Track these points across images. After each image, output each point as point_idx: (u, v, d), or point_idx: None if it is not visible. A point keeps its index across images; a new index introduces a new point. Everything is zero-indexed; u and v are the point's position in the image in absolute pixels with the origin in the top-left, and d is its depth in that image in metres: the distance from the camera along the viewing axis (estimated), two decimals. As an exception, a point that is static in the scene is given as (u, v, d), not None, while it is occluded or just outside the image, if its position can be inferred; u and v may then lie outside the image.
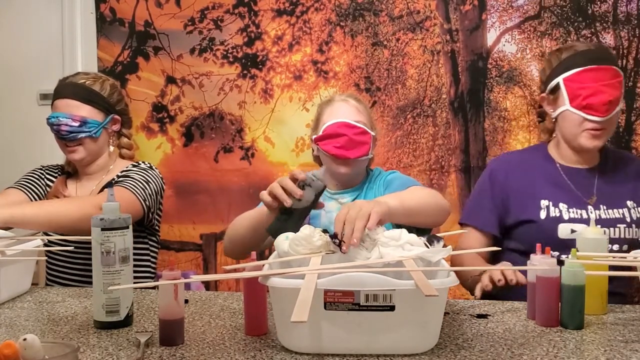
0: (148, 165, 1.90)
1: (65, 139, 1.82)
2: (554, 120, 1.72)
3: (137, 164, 1.90)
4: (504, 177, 1.76)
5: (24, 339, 0.78)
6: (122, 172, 1.87)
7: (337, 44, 2.67)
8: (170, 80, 2.81)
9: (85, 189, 1.90)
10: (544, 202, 1.68)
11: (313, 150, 1.84)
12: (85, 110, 1.83)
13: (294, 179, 1.39)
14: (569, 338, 1.14)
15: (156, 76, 2.82)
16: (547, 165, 1.75)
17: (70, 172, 1.96)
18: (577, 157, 1.72)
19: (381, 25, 2.63)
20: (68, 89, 1.85)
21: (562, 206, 1.66)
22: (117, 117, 1.90)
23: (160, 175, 1.90)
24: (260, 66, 2.73)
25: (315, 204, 1.42)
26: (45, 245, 1.64)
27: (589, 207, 1.67)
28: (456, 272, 1.58)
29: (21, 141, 3.00)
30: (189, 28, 2.78)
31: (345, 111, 1.74)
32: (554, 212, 1.66)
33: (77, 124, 1.81)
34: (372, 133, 1.74)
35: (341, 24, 2.66)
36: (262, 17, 2.72)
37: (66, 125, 1.80)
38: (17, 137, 3.01)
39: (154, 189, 1.84)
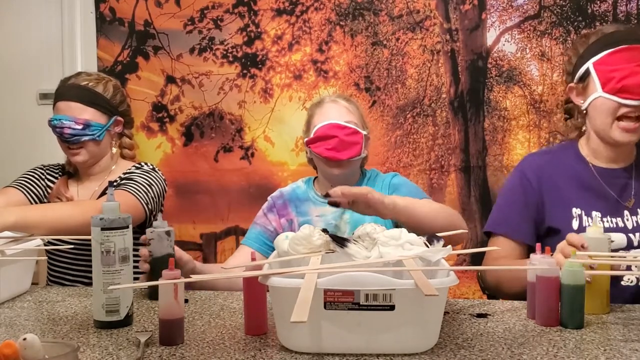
0: (151, 167, 1.90)
1: (69, 142, 1.81)
2: (584, 111, 1.56)
3: (140, 165, 1.90)
4: (537, 181, 1.61)
5: (24, 339, 0.78)
6: (124, 173, 1.87)
7: (337, 44, 2.67)
8: (170, 79, 2.81)
9: (87, 190, 1.90)
10: (575, 211, 1.54)
11: (307, 153, 1.84)
12: (89, 113, 1.82)
13: (142, 244, 1.46)
14: (569, 337, 1.14)
15: (156, 76, 2.82)
16: (579, 167, 1.60)
17: (71, 172, 1.96)
18: (611, 154, 1.57)
19: (381, 25, 2.63)
20: (71, 91, 1.83)
21: (596, 215, 1.52)
22: (119, 118, 1.90)
23: (163, 177, 1.90)
24: (260, 66, 2.73)
25: (171, 246, 1.46)
26: (45, 245, 1.64)
27: (626, 211, 1.53)
28: (500, 283, 1.57)
29: (20, 141, 2.99)
30: (188, 28, 2.78)
31: (335, 112, 1.73)
32: (586, 222, 1.52)
33: (80, 127, 1.80)
34: (364, 132, 1.73)
35: (341, 23, 2.66)
36: (262, 16, 2.72)
37: (69, 128, 1.79)
38: (17, 136, 3.01)
39: (157, 192, 1.84)
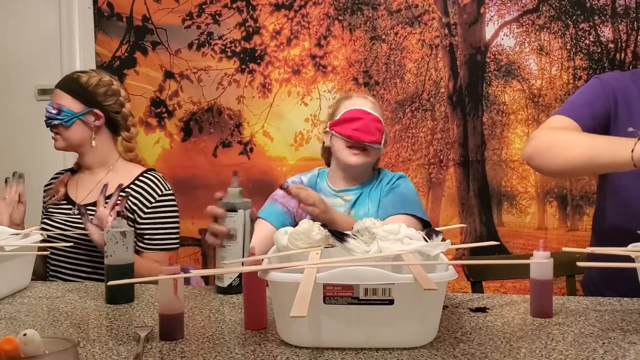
0: (168, 191, 1.90)
1: (47, 126, 1.88)
2: None
3: (162, 186, 1.89)
4: (612, 91, 1.53)
5: (24, 334, 0.78)
6: (136, 187, 1.86)
7: (336, 38, 2.66)
8: (169, 75, 2.80)
9: (85, 186, 1.91)
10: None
11: (323, 143, 1.84)
12: (65, 99, 1.86)
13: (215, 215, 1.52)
14: (567, 331, 1.14)
15: (154, 71, 2.81)
16: None
17: (74, 169, 1.99)
18: None
19: (379, 20, 2.63)
20: (61, 81, 1.91)
21: None
22: (97, 111, 1.88)
23: (175, 198, 1.93)
24: (259, 61, 2.73)
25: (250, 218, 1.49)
26: (44, 241, 1.64)
27: None
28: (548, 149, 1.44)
29: (19, 136, 2.99)
30: (187, 23, 2.78)
31: (363, 103, 1.77)
32: None
33: (55, 111, 1.85)
34: (385, 128, 1.77)
35: (339, 18, 2.66)
36: (260, 11, 2.72)
37: (47, 112, 1.86)
38: (15, 132, 3.01)
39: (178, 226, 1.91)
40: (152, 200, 1.86)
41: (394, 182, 1.78)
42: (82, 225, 1.73)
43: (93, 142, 1.90)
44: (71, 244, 1.64)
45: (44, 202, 1.98)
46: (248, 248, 1.44)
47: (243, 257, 1.42)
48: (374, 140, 1.71)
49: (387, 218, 1.67)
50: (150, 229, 1.83)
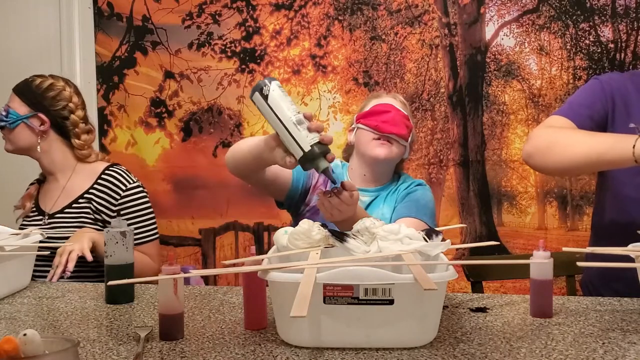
0: (135, 182, 1.89)
1: None
2: None
3: (125, 181, 1.88)
4: (610, 91, 1.54)
5: (24, 334, 0.78)
6: (104, 182, 1.86)
7: (336, 38, 2.66)
8: (169, 75, 2.80)
9: (51, 195, 1.91)
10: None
11: (349, 137, 1.79)
12: (14, 102, 1.89)
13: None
14: (567, 331, 1.14)
15: (154, 71, 2.81)
16: None
17: (41, 179, 1.99)
18: None
19: (379, 19, 2.63)
20: (18, 83, 1.94)
21: None
22: (42, 116, 1.87)
23: (144, 189, 1.92)
24: (259, 61, 2.73)
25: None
26: (45, 241, 1.64)
27: None
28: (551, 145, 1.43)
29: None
30: (187, 22, 2.78)
31: (393, 101, 1.76)
32: None
33: (4, 113, 1.87)
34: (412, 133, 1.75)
35: (339, 18, 2.66)
36: (260, 11, 2.72)
37: None
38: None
39: (151, 210, 1.91)
40: (118, 197, 1.86)
41: (412, 188, 1.74)
42: (53, 235, 1.75)
43: (38, 147, 1.88)
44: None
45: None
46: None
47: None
48: (402, 133, 1.68)
49: (397, 220, 1.63)
50: None
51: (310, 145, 1.28)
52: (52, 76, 1.95)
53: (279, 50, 2.71)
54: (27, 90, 1.88)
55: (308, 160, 1.29)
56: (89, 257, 1.64)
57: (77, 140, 1.92)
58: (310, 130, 1.29)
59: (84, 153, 1.93)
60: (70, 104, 1.91)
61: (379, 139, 1.68)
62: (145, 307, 1.36)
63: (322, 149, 1.28)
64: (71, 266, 1.63)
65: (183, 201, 2.78)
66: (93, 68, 2.86)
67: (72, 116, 1.90)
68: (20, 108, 1.87)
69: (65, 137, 1.91)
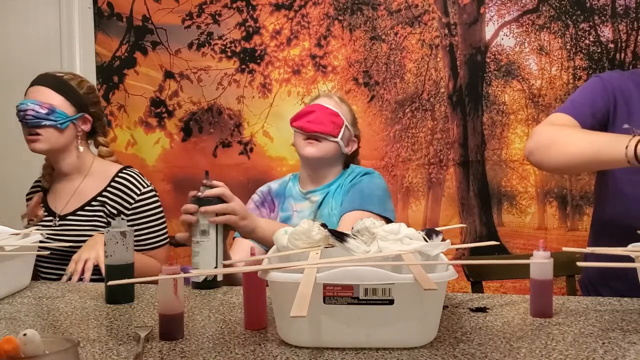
0: (148, 187, 1.87)
1: (29, 125, 1.78)
2: None
3: (139, 185, 1.86)
4: (612, 89, 1.54)
5: (24, 334, 0.78)
6: (117, 185, 1.84)
7: (336, 38, 2.66)
8: (169, 75, 2.80)
9: (63, 195, 1.87)
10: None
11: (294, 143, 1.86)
12: (56, 100, 1.80)
13: (190, 199, 1.52)
14: (567, 331, 1.14)
15: (154, 71, 2.81)
16: None
17: (45, 187, 1.92)
18: None
19: (379, 20, 2.63)
20: (44, 78, 1.83)
21: None
22: (88, 116, 1.86)
23: (156, 193, 1.91)
24: (259, 61, 2.73)
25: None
26: (44, 242, 1.64)
27: None
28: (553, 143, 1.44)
29: (18, 137, 2.98)
30: (187, 22, 2.78)
31: (325, 101, 1.80)
32: None
33: (45, 111, 1.77)
34: (347, 124, 1.77)
35: (339, 18, 2.66)
36: (260, 11, 2.72)
37: (33, 110, 1.77)
38: (14, 133, 3.00)
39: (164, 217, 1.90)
40: (132, 201, 1.84)
41: (357, 179, 1.76)
42: (64, 237, 1.73)
43: (80, 147, 1.85)
44: (68, 244, 1.63)
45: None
46: (221, 245, 1.47)
47: (217, 253, 1.46)
48: (326, 131, 1.73)
49: (342, 216, 1.66)
50: (136, 230, 1.81)
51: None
52: (77, 75, 1.93)
53: (279, 50, 2.71)
54: (68, 90, 1.82)
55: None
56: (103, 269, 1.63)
57: (103, 138, 1.93)
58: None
59: (110, 150, 1.94)
60: (101, 105, 1.94)
61: (307, 139, 1.75)
62: (145, 307, 1.36)
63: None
64: (87, 276, 1.62)
65: (183, 201, 2.75)
66: (93, 68, 2.86)
67: (102, 117, 1.94)
68: (68, 108, 1.81)
69: (90, 136, 1.92)
